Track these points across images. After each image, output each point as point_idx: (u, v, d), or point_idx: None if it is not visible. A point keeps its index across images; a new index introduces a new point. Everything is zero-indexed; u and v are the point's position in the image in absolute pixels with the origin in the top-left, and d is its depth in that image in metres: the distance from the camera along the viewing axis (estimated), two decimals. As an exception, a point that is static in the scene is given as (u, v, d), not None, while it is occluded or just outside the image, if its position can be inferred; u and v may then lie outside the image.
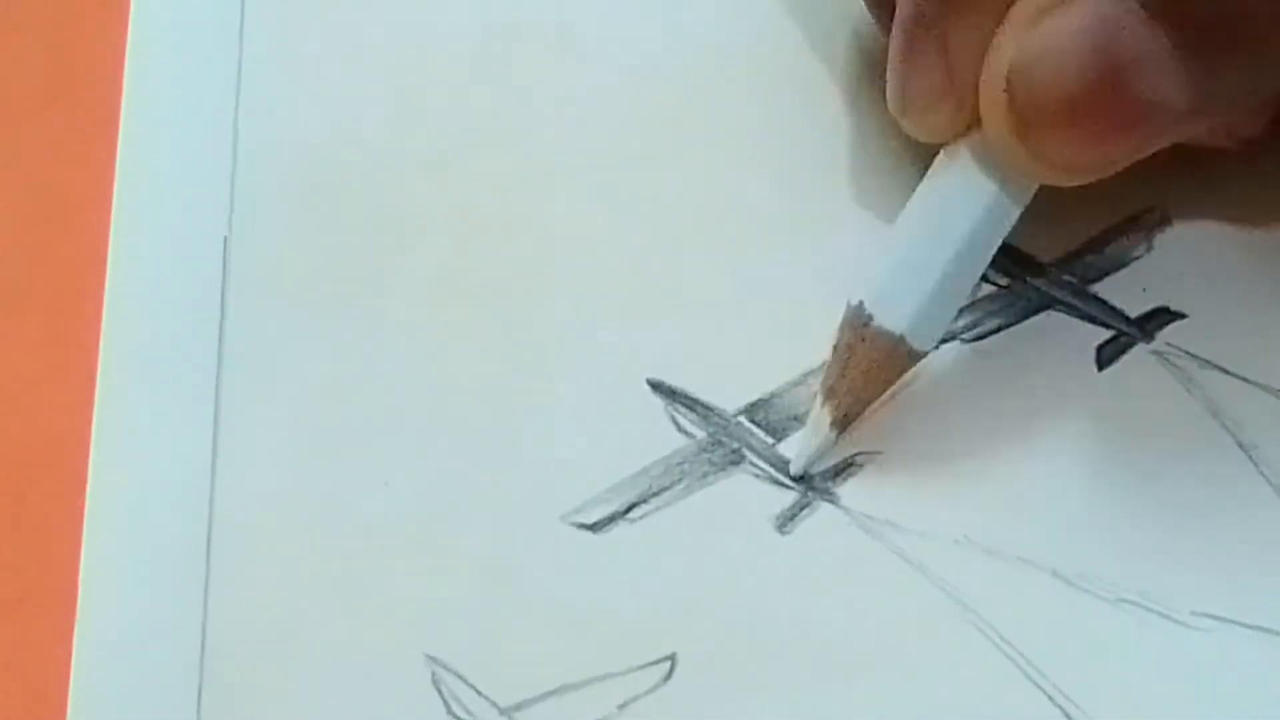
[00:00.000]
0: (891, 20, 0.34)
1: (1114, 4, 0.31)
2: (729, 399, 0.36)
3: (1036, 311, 0.36)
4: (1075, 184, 0.33)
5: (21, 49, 0.41)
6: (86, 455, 0.36)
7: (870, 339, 0.34)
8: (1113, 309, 0.36)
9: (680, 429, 0.36)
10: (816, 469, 0.35)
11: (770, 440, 0.35)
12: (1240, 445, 0.35)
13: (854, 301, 0.35)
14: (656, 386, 0.36)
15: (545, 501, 0.35)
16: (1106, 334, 0.36)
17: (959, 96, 0.33)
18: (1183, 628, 0.33)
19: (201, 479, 0.35)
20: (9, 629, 0.35)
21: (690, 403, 0.36)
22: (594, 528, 0.35)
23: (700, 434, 0.36)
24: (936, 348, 0.35)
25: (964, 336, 0.36)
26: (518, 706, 0.33)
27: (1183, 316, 0.36)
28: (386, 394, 0.36)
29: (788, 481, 0.35)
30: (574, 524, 0.35)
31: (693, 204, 0.38)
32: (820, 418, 0.35)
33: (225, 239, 0.38)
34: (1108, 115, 0.32)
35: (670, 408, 0.36)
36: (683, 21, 0.40)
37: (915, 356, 0.35)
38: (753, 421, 0.36)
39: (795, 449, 0.35)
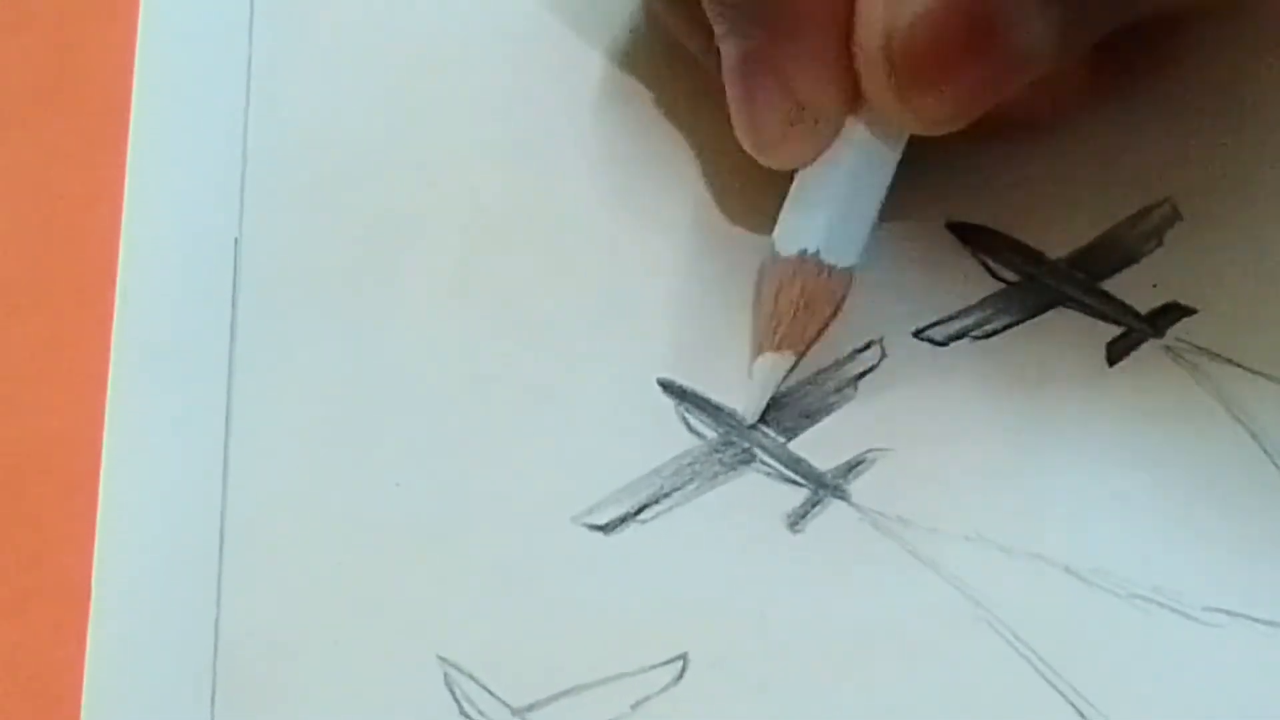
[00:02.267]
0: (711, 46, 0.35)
1: None
2: (740, 399, 0.36)
3: (1046, 308, 0.36)
4: (942, 133, 0.34)
5: (32, 50, 0.41)
6: (99, 454, 0.36)
7: (785, 266, 0.35)
8: (1123, 305, 0.36)
9: (691, 429, 0.36)
10: (828, 466, 0.35)
11: (781, 439, 0.35)
12: (1253, 438, 0.35)
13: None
14: (667, 386, 0.36)
15: (557, 503, 0.35)
16: (1117, 330, 0.36)
17: (809, 121, 0.34)
18: (1195, 623, 0.33)
19: (213, 479, 0.36)
20: (23, 628, 0.35)
21: (701, 403, 0.36)
22: (605, 529, 0.35)
23: (711, 434, 0.36)
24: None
25: (974, 334, 0.36)
26: (530, 707, 0.33)
27: (1193, 312, 0.36)
28: (398, 394, 0.36)
29: (799, 480, 0.35)
30: (585, 525, 0.35)
31: (706, 203, 0.38)
32: (764, 363, 0.35)
33: (236, 239, 0.38)
34: (982, 68, 0.33)
35: (681, 408, 0.36)
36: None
37: (839, 275, 0.35)
38: (764, 421, 0.35)
39: (744, 400, 0.35)
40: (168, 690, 0.34)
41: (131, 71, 0.40)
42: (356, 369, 0.37)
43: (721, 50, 0.34)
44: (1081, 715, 0.32)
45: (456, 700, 0.33)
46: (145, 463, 0.36)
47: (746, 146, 0.35)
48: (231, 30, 0.41)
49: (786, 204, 0.36)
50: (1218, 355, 0.35)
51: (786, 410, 0.36)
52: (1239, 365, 0.35)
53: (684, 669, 0.33)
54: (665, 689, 0.33)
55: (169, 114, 0.40)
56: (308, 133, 0.40)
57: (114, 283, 0.38)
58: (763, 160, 0.35)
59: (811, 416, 0.36)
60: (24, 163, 0.40)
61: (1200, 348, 0.36)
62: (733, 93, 0.34)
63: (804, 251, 0.35)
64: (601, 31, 0.40)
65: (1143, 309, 0.36)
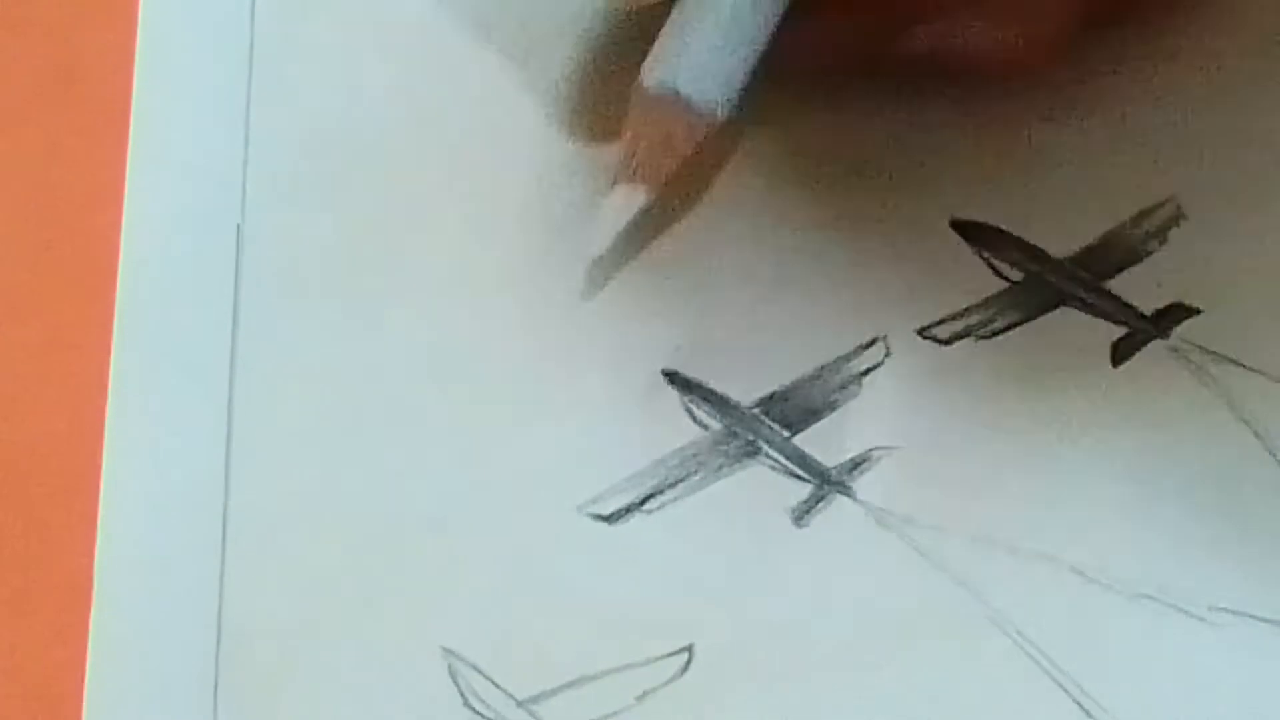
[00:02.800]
0: None
1: None
2: (744, 392, 0.36)
3: (1051, 308, 0.36)
4: None
5: (32, 44, 0.41)
6: (100, 450, 0.36)
7: (650, 103, 0.35)
8: (1127, 305, 0.36)
9: (696, 421, 0.36)
10: (834, 462, 0.35)
11: (786, 433, 0.35)
12: (1258, 438, 0.35)
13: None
14: (672, 378, 0.36)
15: (561, 493, 0.35)
16: (1121, 330, 0.36)
17: None
18: (1201, 622, 0.33)
19: (216, 472, 0.35)
20: (24, 627, 0.35)
21: (706, 394, 0.36)
22: (610, 519, 0.35)
23: (716, 426, 0.36)
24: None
25: (978, 333, 0.36)
26: (535, 698, 0.33)
27: (1198, 312, 0.36)
28: (401, 384, 0.36)
29: (804, 474, 0.35)
30: (590, 515, 0.35)
31: (710, 195, 0.38)
32: (617, 194, 0.35)
33: (238, 228, 0.38)
34: None
35: (686, 399, 0.36)
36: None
37: (703, 113, 0.35)
38: (768, 414, 0.36)
39: (595, 230, 0.36)
40: (170, 685, 0.34)
41: (132, 67, 0.40)
42: (359, 360, 0.37)
43: None
44: (1087, 714, 0.32)
45: (461, 692, 0.33)
46: (147, 457, 0.36)
47: None
48: (233, 20, 0.41)
49: (663, 30, 0.35)
50: (1222, 355, 0.36)
51: (790, 404, 0.36)
52: (1243, 365, 0.35)
53: (689, 661, 0.33)
54: (670, 681, 0.33)
55: (171, 104, 0.40)
56: (310, 123, 0.39)
57: (115, 279, 0.38)
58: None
59: (815, 412, 0.36)
60: (24, 159, 0.40)
61: (1205, 348, 0.36)
62: None
63: (666, 85, 0.35)
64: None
65: (1147, 309, 0.36)
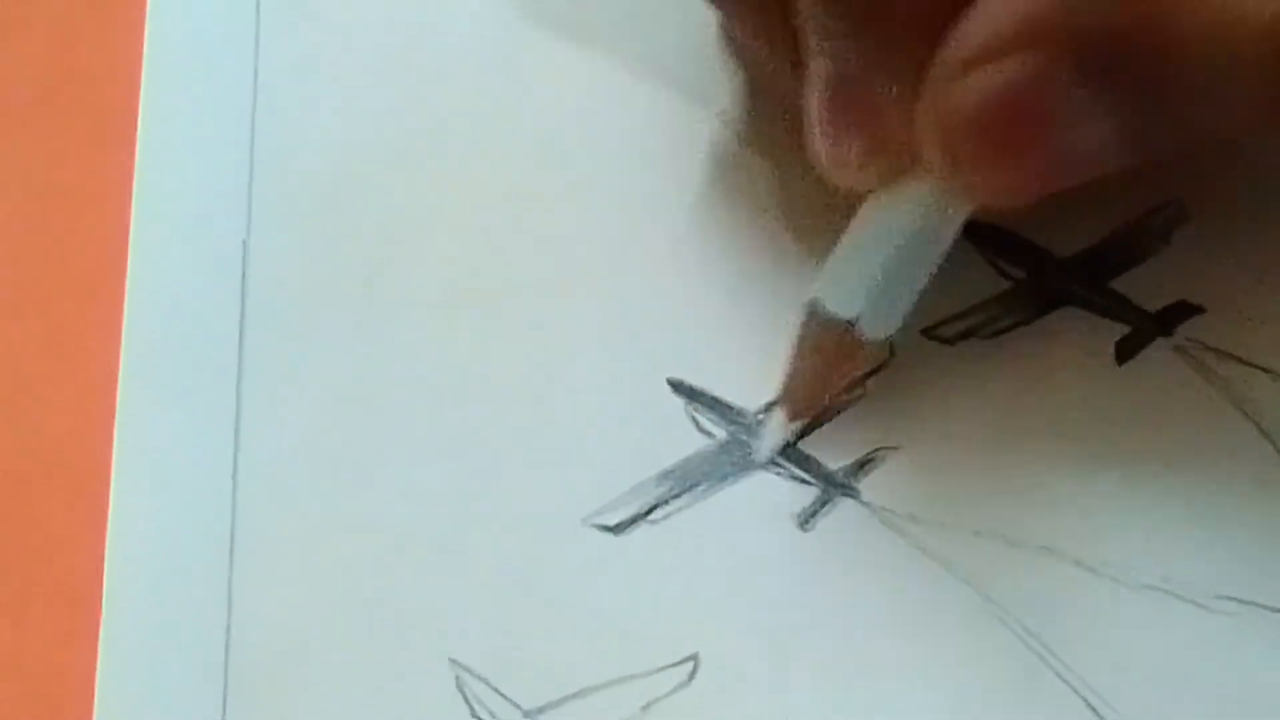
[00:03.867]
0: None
1: (1040, 60, 0.31)
2: (749, 398, 0.36)
3: (1055, 307, 0.36)
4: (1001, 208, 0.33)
5: (36, 52, 0.41)
6: (108, 459, 0.36)
7: (823, 328, 0.34)
8: (1131, 304, 0.36)
9: (701, 429, 0.36)
10: (838, 465, 0.35)
11: (791, 439, 0.35)
12: (1263, 434, 0.34)
13: (808, 297, 0.35)
14: (677, 386, 0.36)
15: (566, 504, 0.35)
16: (1125, 329, 0.36)
17: (892, 154, 0.33)
18: (1206, 611, 0.33)
19: (223, 482, 0.36)
20: (33, 632, 0.35)
21: (710, 402, 0.36)
22: (615, 530, 0.35)
23: (721, 434, 0.36)
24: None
25: (983, 332, 0.36)
26: (541, 709, 0.33)
27: (1202, 310, 0.36)
28: (407, 396, 0.36)
29: (809, 479, 0.35)
30: (595, 526, 0.35)
31: (715, 202, 0.38)
32: (779, 414, 0.35)
33: (244, 242, 0.38)
34: (1032, 164, 0.32)
35: (690, 407, 0.36)
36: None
37: (869, 346, 0.34)
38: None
39: (760, 442, 0.35)
40: (180, 694, 0.34)
41: (138, 72, 0.40)
42: (366, 371, 0.37)
43: (811, 66, 0.33)
44: (1092, 709, 0.32)
45: (468, 702, 0.33)
46: (155, 467, 0.36)
47: (821, 164, 0.34)
48: (238, 35, 0.41)
49: (833, 260, 0.34)
50: (1227, 353, 0.35)
51: (795, 410, 0.36)
52: (1248, 363, 0.35)
53: (695, 670, 0.33)
54: (676, 690, 0.33)
55: (176, 119, 0.40)
56: (315, 136, 0.40)
57: (122, 286, 0.38)
58: (833, 180, 0.34)
59: (820, 418, 0.36)
60: (30, 165, 0.40)
61: (1209, 346, 0.36)
62: (819, 111, 0.33)
63: (840, 316, 0.34)
64: (602, 31, 0.40)
65: (1151, 308, 0.36)
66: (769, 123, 0.38)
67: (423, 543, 0.35)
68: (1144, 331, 0.36)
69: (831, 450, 0.35)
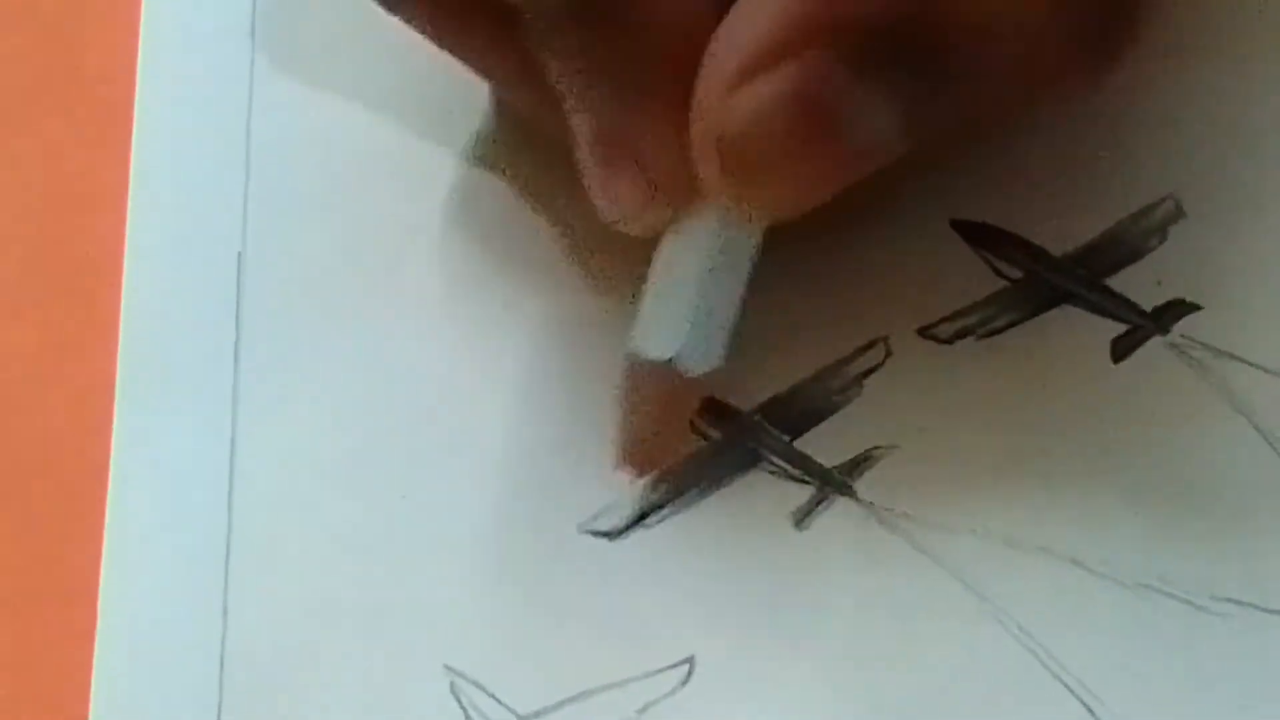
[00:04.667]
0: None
1: (816, 62, 0.31)
2: (744, 397, 0.36)
3: (1051, 305, 0.36)
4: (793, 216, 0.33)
5: (31, 53, 0.42)
6: (105, 465, 0.36)
7: (647, 377, 0.34)
8: (1127, 302, 0.36)
9: (696, 430, 0.36)
10: (834, 463, 0.35)
11: (787, 438, 0.35)
12: (1259, 432, 0.34)
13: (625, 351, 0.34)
14: (673, 389, 0.36)
15: (562, 510, 0.35)
16: (1121, 327, 0.36)
17: (671, 192, 0.33)
18: (1203, 612, 0.33)
19: (219, 491, 0.36)
20: (28, 635, 0.35)
21: (705, 402, 0.36)
22: (611, 535, 0.35)
23: (716, 434, 0.35)
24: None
25: (979, 331, 0.36)
26: (537, 714, 0.33)
27: (1198, 308, 0.36)
28: (402, 404, 0.36)
29: (805, 477, 0.35)
30: (591, 532, 0.35)
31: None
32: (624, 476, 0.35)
33: (239, 253, 0.38)
34: (820, 167, 0.32)
35: (687, 409, 0.36)
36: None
37: (696, 383, 0.34)
38: (769, 419, 0.35)
39: (609, 513, 0.35)
40: (174, 701, 0.34)
41: (133, 75, 0.40)
42: (360, 380, 0.37)
43: (573, 125, 0.33)
44: (1088, 709, 0.32)
45: (464, 708, 0.33)
46: (152, 477, 0.36)
47: (604, 218, 0.34)
48: (233, 40, 0.41)
49: (642, 303, 0.34)
50: (1223, 351, 0.35)
51: (791, 408, 0.36)
52: (1244, 361, 0.35)
53: (690, 672, 0.33)
54: (672, 692, 0.33)
55: (171, 126, 0.40)
56: (311, 143, 0.40)
57: (119, 290, 0.38)
58: (623, 229, 0.34)
59: (816, 414, 0.35)
60: (24, 168, 0.40)
61: (1205, 344, 0.35)
62: (588, 165, 0.33)
63: (659, 358, 0.34)
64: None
65: (1147, 305, 0.36)
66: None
67: (418, 548, 0.35)
68: (1140, 329, 0.36)
69: (827, 449, 0.35)
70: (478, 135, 0.39)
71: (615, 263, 0.36)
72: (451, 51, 0.36)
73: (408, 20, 0.36)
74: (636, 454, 0.35)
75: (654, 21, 0.31)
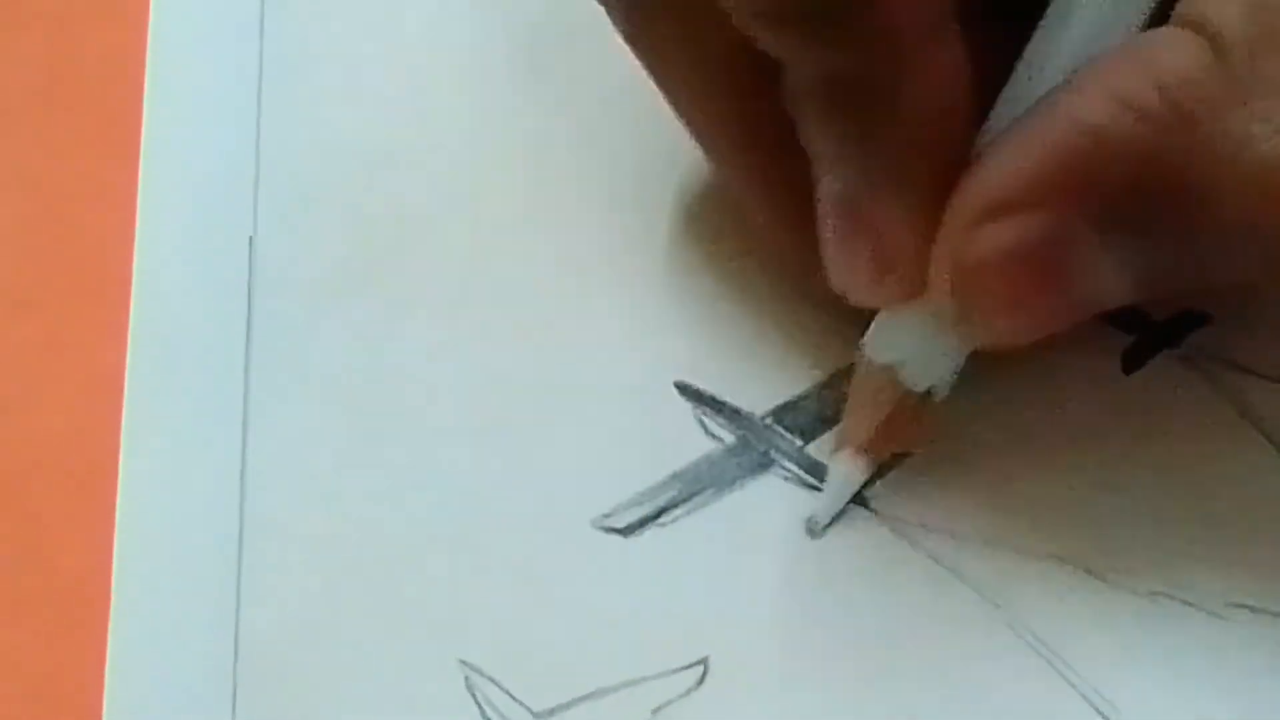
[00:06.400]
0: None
1: (1062, 219, 0.31)
2: (757, 402, 0.36)
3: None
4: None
5: (39, 48, 0.41)
6: (115, 456, 0.36)
7: (872, 375, 0.34)
8: (1138, 314, 0.36)
9: (709, 432, 0.36)
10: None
11: (799, 443, 0.35)
12: (1270, 443, 0.35)
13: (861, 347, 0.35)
14: (684, 390, 0.36)
15: (576, 506, 0.35)
16: (1132, 339, 0.36)
17: (901, 274, 0.33)
18: (1218, 619, 0.33)
19: (231, 481, 0.36)
20: (40, 630, 0.35)
21: (718, 406, 0.36)
22: (624, 532, 0.35)
23: (729, 437, 0.36)
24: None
25: (991, 342, 0.36)
26: (551, 711, 0.33)
27: (1208, 320, 0.36)
28: (416, 395, 0.36)
29: (817, 484, 0.35)
30: (605, 529, 0.35)
31: (719, 205, 0.38)
32: (841, 470, 0.35)
33: (251, 238, 0.38)
34: (1044, 317, 0.32)
35: (698, 411, 0.36)
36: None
37: (922, 398, 0.34)
38: (781, 424, 0.36)
39: (820, 504, 0.35)
40: (188, 694, 0.34)
41: (141, 69, 0.40)
42: (374, 370, 0.37)
43: (820, 184, 0.33)
44: (1104, 716, 0.33)
45: (478, 704, 0.33)
46: (163, 466, 0.36)
47: (834, 284, 0.33)
48: (243, 31, 0.41)
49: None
50: (1233, 363, 0.36)
51: (803, 413, 0.36)
52: (1254, 373, 0.36)
53: (705, 674, 0.33)
54: (686, 693, 0.33)
55: (181, 116, 0.40)
56: (321, 133, 0.40)
57: (128, 282, 0.38)
58: (850, 300, 0.34)
59: (829, 421, 0.36)
60: (34, 162, 0.40)
61: (1216, 356, 0.36)
62: (826, 231, 0.33)
63: (893, 362, 0.34)
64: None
65: (1158, 318, 0.36)
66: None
67: (432, 543, 0.35)
68: (1151, 342, 0.36)
69: (840, 455, 0.35)
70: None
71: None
72: (683, 98, 0.36)
73: (646, 66, 0.35)
74: (856, 439, 0.35)
75: (920, 112, 0.31)
